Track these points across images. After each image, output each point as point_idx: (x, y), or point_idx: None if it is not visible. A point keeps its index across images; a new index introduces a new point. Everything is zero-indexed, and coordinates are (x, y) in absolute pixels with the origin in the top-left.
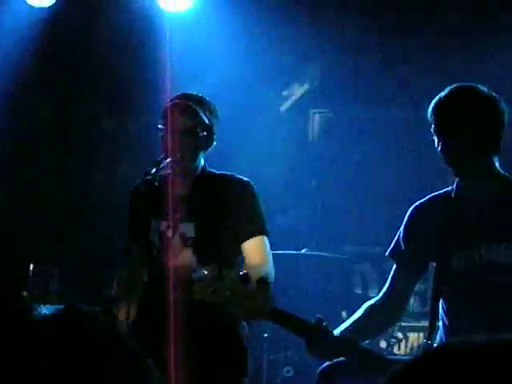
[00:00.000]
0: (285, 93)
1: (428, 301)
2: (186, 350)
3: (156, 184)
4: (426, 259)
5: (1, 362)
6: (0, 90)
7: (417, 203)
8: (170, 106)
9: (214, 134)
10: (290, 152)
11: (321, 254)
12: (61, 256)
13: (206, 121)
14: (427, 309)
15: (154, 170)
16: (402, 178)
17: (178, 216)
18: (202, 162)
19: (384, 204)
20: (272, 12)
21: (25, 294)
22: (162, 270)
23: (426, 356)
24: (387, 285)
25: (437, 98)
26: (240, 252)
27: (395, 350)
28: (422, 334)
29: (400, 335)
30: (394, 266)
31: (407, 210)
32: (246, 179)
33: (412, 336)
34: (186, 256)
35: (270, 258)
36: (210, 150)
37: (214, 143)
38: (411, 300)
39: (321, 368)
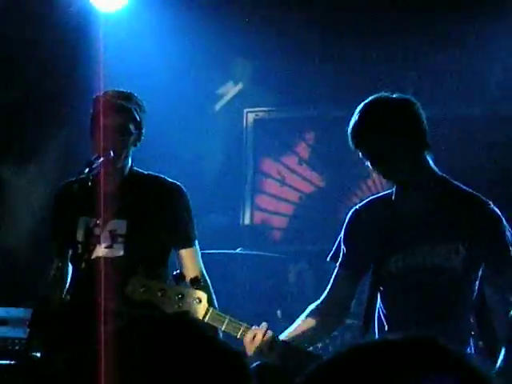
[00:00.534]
0: (219, 91)
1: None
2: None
3: (90, 184)
4: (367, 261)
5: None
6: None
7: (357, 206)
8: (102, 104)
9: (142, 129)
10: (224, 150)
11: (256, 253)
12: None
13: (137, 117)
14: (362, 309)
15: (86, 169)
16: (336, 177)
17: (107, 213)
18: (130, 160)
19: (319, 203)
20: (205, 10)
21: None
22: (88, 267)
23: (336, 356)
24: (329, 288)
25: (352, 121)
26: (170, 250)
27: (330, 348)
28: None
29: (336, 333)
30: (336, 269)
31: (346, 212)
32: (177, 183)
33: (347, 335)
34: (117, 252)
35: (202, 265)
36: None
37: (142, 139)
38: None
39: (254, 365)
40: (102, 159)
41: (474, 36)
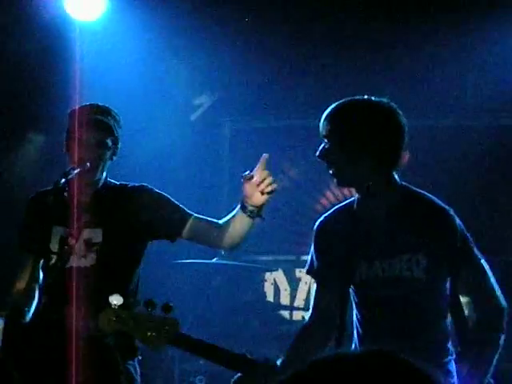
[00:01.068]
0: (196, 101)
1: None
2: (82, 364)
3: (65, 194)
4: (338, 273)
5: None
6: None
7: (321, 218)
8: (80, 118)
9: (118, 143)
10: (201, 161)
11: (232, 262)
12: None
13: (115, 132)
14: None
15: (62, 180)
16: (310, 186)
17: (81, 222)
18: (105, 172)
19: (294, 212)
20: (183, 21)
21: None
22: (61, 277)
23: (295, 374)
24: (312, 305)
25: (329, 109)
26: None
27: None
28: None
29: None
30: (315, 285)
31: (315, 221)
32: (144, 184)
33: None
34: (90, 260)
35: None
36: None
37: (117, 152)
38: None
39: (234, 379)
40: (77, 170)
41: (449, 47)
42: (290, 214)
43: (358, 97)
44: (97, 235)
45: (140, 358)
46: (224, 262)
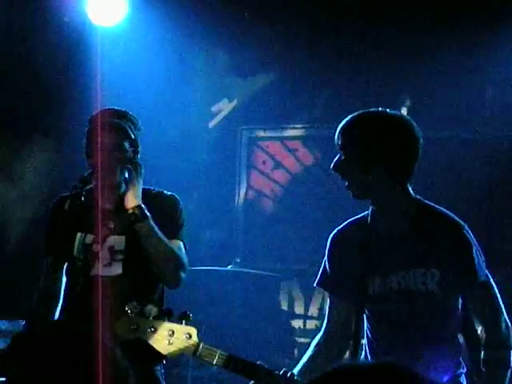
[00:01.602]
0: (214, 108)
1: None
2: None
3: (83, 199)
4: (351, 286)
5: None
6: None
7: (335, 230)
8: (97, 123)
9: (138, 147)
10: (218, 167)
11: (247, 270)
12: None
13: (132, 136)
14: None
15: (81, 185)
16: (326, 196)
17: (106, 229)
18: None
19: (309, 222)
20: (202, 27)
21: None
22: (86, 285)
23: (321, 378)
24: (326, 318)
25: (344, 122)
26: None
27: None
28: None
29: None
30: (329, 297)
31: (329, 232)
32: (174, 195)
33: None
34: (115, 269)
35: (185, 258)
36: None
37: (139, 156)
38: None
39: None
40: (97, 175)
41: (468, 60)
42: (305, 223)
43: (372, 109)
44: (120, 243)
45: (164, 362)
46: (239, 269)
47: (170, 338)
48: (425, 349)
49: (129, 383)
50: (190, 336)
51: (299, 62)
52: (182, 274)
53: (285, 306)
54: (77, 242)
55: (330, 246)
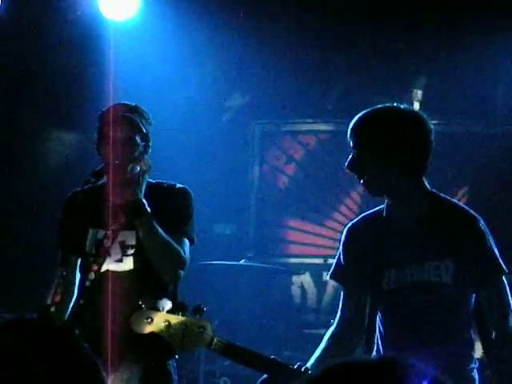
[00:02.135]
0: (227, 103)
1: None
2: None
3: (95, 194)
4: (365, 279)
5: None
6: None
7: (349, 224)
8: (109, 117)
9: (149, 141)
10: (231, 161)
11: (259, 265)
12: None
13: (143, 129)
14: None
15: (93, 179)
16: (336, 189)
17: (117, 224)
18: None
19: (321, 216)
20: (215, 22)
21: None
22: (98, 280)
23: (322, 374)
24: (339, 310)
25: (356, 119)
26: None
27: None
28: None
29: None
30: (342, 290)
31: (342, 226)
32: (185, 187)
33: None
34: (127, 265)
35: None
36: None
37: (150, 150)
38: None
39: (259, 382)
40: (108, 170)
41: (481, 57)
42: (317, 218)
43: (382, 105)
44: (131, 237)
45: (177, 357)
46: (251, 263)
47: (184, 331)
48: (439, 341)
49: None
50: (204, 329)
51: (311, 58)
52: (180, 271)
53: (297, 300)
54: (89, 238)
55: (344, 239)
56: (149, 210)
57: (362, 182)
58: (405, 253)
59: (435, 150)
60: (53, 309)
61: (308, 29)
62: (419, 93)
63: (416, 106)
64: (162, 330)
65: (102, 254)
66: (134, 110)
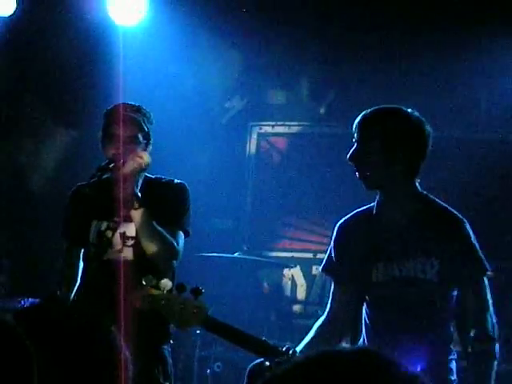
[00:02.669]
0: (226, 105)
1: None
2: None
3: (99, 188)
4: (354, 273)
5: None
6: None
7: (341, 221)
8: (113, 116)
9: (150, 139)
10: (229, 160)
11: (252, 258)
12: (11, 248)
13: (145, 128)
14: None
15: (98, 173)
16: (329, 189)
17: (119, 216)
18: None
19: (312, 214)
20: (217, 28)
21: None
22: (100, 268)
23: (290, 367)
24: (329, 303)
25: (361, 115)
26: None
27: None
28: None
29: None
30: (332, 283)
31: (334, 225)
32: (179, 181)
33: None
34: (127, 255)
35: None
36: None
37: (150, 148)
38: None
39: (250, 366)
40: (112, 165)
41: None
42: (308, 215)
43: (388, 106)
44: (131, 229)
45: (172, 342)
46: (245, 256)
47: (182, 310)
48: (421, 333)
49: (128, 370)
50: (200, 309)
51: (306, 67)
52: (173, 261)
53: (288, 292)
54: (92, 229)
55: (336, 234)
56: (142, 203)
57: (360, 174)
58: (394, 249)
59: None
60: (58, 294)
61: (305, 39)
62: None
63: None
64: (161, 308)
65: (104, 245)
66: (137, 109)
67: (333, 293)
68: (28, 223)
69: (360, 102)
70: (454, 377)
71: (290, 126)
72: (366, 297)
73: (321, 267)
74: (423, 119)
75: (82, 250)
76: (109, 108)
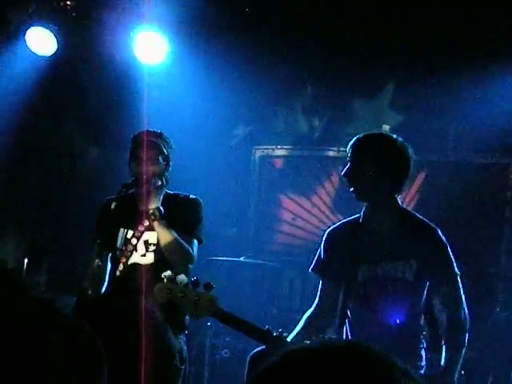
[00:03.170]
0: (234, 132)
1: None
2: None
3: (126, 201)
4: (341, 273)
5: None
6: (7, 119)
7: (330, 228)
8: (137, 141)
9: (170, 161)
10: (236, 179)
11: (256, 261)
12: (51, 249)
13: (165, 151)
14: None
15: (124, 189)
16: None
17: (143, 226)
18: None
19: (306, 224)
20: (226, 68)
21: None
22: (126, 270)
23: (282, 358)
24: (317, 297)
25: (355, 139)
26: None
27: None
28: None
29: None
30: (320, 281)
31: (323, 232)
32: (193, 196)
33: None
34: (149, 259)
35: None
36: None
37: (170, 169)
38: None
39: (251, 354)
40: (137, 182)
41: (438, 101)
42: (302, 225)
43: (378, 132)
44: (153, 237)
45: (187, 332)
46: (249, 260)
47: (196, 302)
48: (397, 325)
49: (166, 339)
50: (212, 302)
51: (302, 99)
52: (189, 265)
53: (286, 290)
54: (120, 236)
55: (325, 239)
56: (164, 215)
57: (352, 189)
58: (377, 253)
59: None
60: (90, 292)
61: (299, 75)
62: (387, 127)
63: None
64: (178, 299)
65: (129, 250)
66: (159, 135)
67: (320, 289)
68: (66, 226)
69: (345, 130)
70: (423, 363)
71: (287, 149)
72: (351, 293)
73: (311, 267)
74: (407, 145)
75: (110, 254)
76: (135, 134)
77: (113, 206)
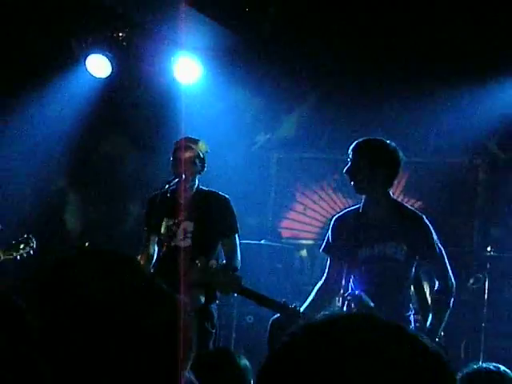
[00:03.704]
0: (255, 139)
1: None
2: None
3: (168, 195)
4: (345, 253)
5: None
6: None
7: (336, 215)
8: (178, 145)
9: (205, 163)
10: (258, 178)
11: (274, 244)
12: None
13: (201, 155)
14: None
15: (167, 186)
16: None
17: (182, 216)
18: (197, 181)
19: (316, 214)
20: (248, 85)
21: None
22: (169, 252)
23: (321, 321)
24: (325, 272)
25: (355, 143)
26: (219, 242)
27: None
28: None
29: None
30: (328, 259)
31: (330, 219)
32: (226, 195)
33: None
34: (187, 243)
35: (239, 251)
36: (202, 173)
37: (205, 169)
38: None
39: (272, 319)
40: (177, 180)
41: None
42: (313, 214)
43: (374, 138)
44: (190, 226)
45: (217, 302)
46: (269, 243)
47: (225, 281)
48: (390, 295)
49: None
50: (237, 281)
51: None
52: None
53: (298, 267)
54: (163, 224)
55: (332, 224)
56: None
57: (353, 183)
58: (374, 236)
59: None
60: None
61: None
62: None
63: None
64: (210, 279)
65: (171, 235)
66: (195, 141)
67: (328, 266)
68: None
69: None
70: (412, 326)
71: (300, 153)
72: (354, 270)
73: (321, 248)
74: (398, 148)
75: (156, 239)
76: (177, 140)
77: (157, 200)
